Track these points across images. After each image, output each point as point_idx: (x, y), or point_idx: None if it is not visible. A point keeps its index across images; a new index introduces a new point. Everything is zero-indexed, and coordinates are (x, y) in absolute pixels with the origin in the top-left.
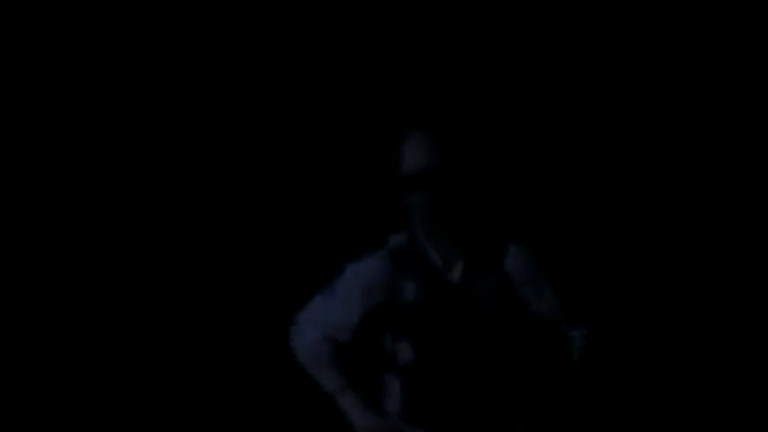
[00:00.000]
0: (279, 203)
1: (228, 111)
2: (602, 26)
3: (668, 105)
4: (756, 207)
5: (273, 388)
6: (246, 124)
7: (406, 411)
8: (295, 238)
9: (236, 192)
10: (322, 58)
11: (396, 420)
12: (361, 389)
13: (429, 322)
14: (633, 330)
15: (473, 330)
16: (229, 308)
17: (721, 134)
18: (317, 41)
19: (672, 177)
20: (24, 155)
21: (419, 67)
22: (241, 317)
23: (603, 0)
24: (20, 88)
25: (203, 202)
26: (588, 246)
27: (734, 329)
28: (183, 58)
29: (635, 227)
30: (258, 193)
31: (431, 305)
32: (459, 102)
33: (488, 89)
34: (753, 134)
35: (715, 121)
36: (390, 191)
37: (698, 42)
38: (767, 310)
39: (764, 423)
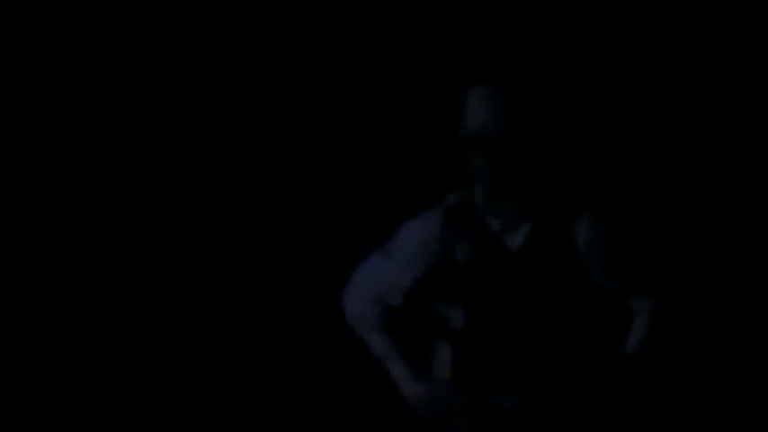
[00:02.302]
0: (337, 161)
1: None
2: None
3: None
4: None
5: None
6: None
7: (456, 378)
8: (349, 198)
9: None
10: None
11: (445, 389)
12: (411, 355)
13: (483, 288)
14: (705, 313)
15: (530, 298)
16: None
17: None
18: None
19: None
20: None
21: (488, 20)
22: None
23: None
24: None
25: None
26: (665, 218)
27: None
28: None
29: (714, 201)
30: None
31: (486, 270)
32: (529, 57)
33: (558, 44)
34: None
35: None
36: (450, 148)
37: None
38: None
39: None
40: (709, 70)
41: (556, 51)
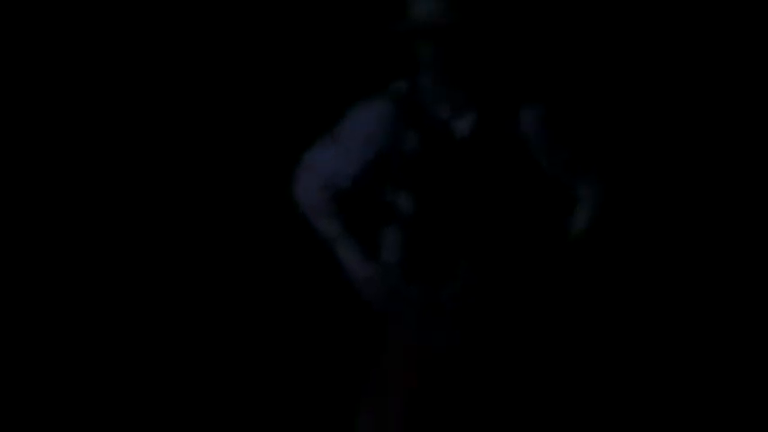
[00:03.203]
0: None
1: None
2: None
3: None
4: None
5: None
6: None
7: (405, 263)
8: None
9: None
10: None
11: (394, 271)
12: (360, 238)
13: (431, 174)
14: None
15: (476, 184)
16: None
17: None
18: None
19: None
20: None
21: None
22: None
23: None
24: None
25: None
26: (613, 105)
27: None
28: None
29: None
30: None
31: (434, 156)
32: None
33: None
34: None
35: None
36: (396, 36)
37: None
38: None
39: None
40: None
41: None
